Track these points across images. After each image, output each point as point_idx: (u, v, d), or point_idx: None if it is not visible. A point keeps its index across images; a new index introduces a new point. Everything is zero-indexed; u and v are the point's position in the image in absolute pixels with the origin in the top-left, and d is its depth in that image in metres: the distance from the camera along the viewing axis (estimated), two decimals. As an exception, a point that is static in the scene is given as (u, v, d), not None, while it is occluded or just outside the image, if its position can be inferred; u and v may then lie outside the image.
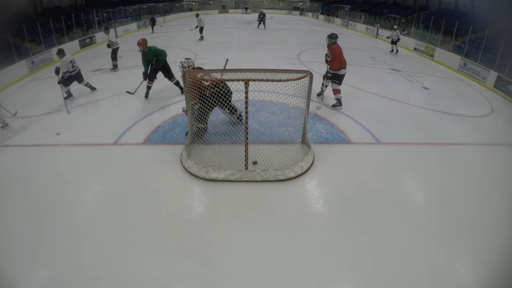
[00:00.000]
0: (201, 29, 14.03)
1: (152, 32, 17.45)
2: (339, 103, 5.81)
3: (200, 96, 4.06)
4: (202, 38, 13.99)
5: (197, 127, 4.26)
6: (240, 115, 4.80)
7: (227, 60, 4.71)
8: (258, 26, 18.76)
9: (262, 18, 18.62)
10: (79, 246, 2.86)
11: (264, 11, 21.81)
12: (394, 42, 12.46)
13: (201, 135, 4.27)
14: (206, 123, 4.40)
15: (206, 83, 4.08)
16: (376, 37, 17.40)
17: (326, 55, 5.75)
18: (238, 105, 4.76)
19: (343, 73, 5.74)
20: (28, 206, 3.39)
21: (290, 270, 2.65)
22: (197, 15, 14.69)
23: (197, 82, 3.90)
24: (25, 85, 8.32)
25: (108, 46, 8.57)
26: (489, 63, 9.37)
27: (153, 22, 18.09)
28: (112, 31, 9.43)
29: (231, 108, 4.62)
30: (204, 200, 3.61)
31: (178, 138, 4.74)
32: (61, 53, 6.12)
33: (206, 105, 4.07)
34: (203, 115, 4.24)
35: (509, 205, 3.55)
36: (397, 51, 12.59)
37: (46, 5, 16.45)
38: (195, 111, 4.22)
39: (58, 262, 2.71)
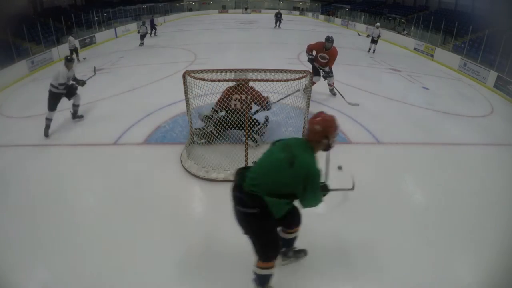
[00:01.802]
0: (142, 36, 13.33)
1: (155, 35, 15.57)
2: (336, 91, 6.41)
3: (226, 106, 4.21)
4: (142, 44, 13.26)
5: (208, 130, 4.35)
6: (264, 122, 4.62)
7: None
8: (277, 25, 18.91)
9: (278, 18, 18.87)
10: (78, 247, 2.87)
11: (264, 10, 21.85)
12: (375, 41, 11.77)
13: (207, 136, 4.31)
14: (219, 133, 4.34)
15: (235, 95, 4.21)
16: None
17: (309, 57, 6.18)
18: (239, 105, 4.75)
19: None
20: (28, 207, 3.39)
21: (290, 270, 2.64)
22: (144, 22, 14.07)
23: (226, 93, 4.17)
24: (25, 85, 8.34)
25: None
26: (489, 63, 9.38)
27: (152, 24, 15.66)
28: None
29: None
30: (204, 200, 3.61)
31: (178, 138, 4.74)
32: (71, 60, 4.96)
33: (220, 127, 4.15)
34: (220, 126, 4.22)
35: (509, 205, 3.55)
36: (374, 50, 11.93)
37: (46, 5, 16.47)
38: (214, 118, 4.30)
39: (58, 264, 2.71)
